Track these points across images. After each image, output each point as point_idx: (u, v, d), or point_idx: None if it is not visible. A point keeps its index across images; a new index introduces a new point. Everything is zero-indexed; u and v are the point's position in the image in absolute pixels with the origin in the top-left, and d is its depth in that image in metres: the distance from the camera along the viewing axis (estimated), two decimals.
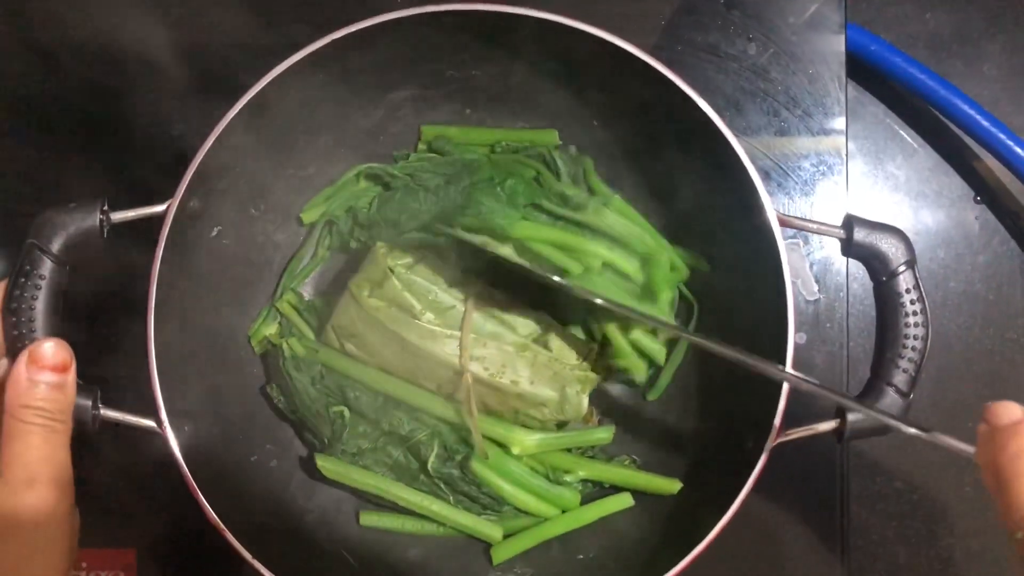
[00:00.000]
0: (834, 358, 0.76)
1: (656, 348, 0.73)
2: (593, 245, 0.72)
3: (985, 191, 0.84)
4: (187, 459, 0.61)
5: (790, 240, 0.76)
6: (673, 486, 0.72)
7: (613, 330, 0.72)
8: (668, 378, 0.75)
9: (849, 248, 0.64)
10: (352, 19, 0.63)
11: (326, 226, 0.76)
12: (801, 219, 0.65)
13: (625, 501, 0.73)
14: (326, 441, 0.71)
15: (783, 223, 0.63)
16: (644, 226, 0.73)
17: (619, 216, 0.72)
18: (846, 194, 0.78)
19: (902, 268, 0.63)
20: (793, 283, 0.64)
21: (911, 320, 0.62)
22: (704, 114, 0.64)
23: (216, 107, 0.62)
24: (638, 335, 0.72)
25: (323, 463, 0.69)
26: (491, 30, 0.66)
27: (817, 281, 0.76)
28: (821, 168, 0.78)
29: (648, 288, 0.72)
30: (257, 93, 0.62)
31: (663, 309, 0.72)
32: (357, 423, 0.71)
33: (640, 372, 0.73)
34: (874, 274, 0.64)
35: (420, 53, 0.69)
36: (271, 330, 0.74)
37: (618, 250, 0.72)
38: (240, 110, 0.62)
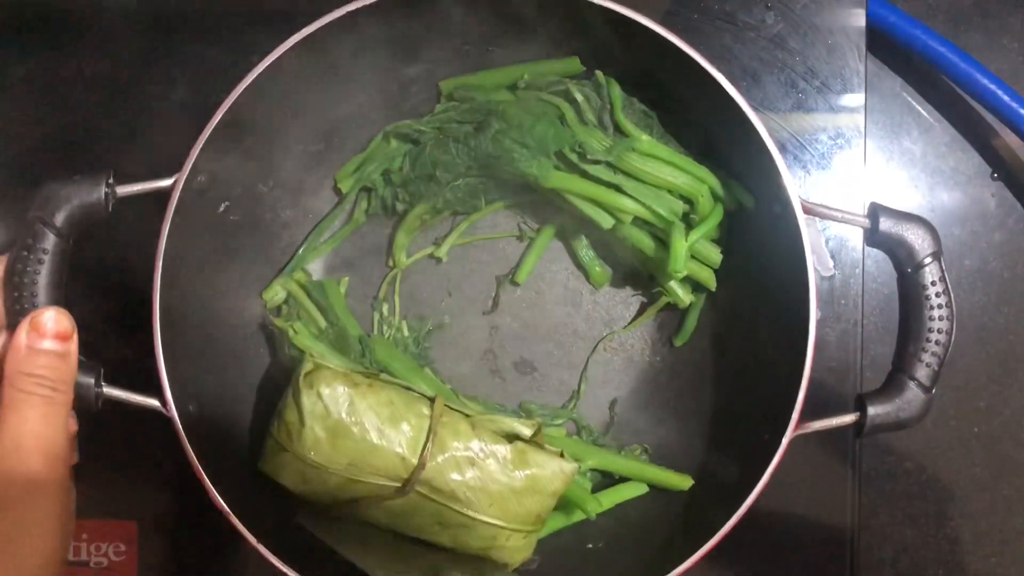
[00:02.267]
0: (848, 335, 0.75)
1: (715, 254, 0.70)
2: (621, 199, 0.69)
3: (1002, 168, 0.83)
4: (191, 439, 0.60)
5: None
6: (684, 482, 0.71)
7: (677, 233, 0.68)
8: (693, 322, 0.74)
9: (874, 238, 0.63)
10: None
11: (362, 192, 0.74)
12: (825, 207, 0.63)
13: (640, 489, 0.72)
14: None
15: (807, 211, 0.62)
16: (679, 161, 0.70)
17: (648, 158, 0.69)
18: (864, 168, 0.76)
19: (928, 260, 0.62)
20: (807, 237, 0.62)
21: (936, 314, 0.62)
22: (731, 98, 0.62)
23: (225, 80, 0.61)
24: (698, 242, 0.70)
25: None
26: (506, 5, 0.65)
27: (833, 257, 0.76)
28: (839, 142, 0.76)
29: (693, 221, 0.70)
30: (267, 67, 0.61)
31: (705, 241, 0.70)
32: None
33: (684, 297, 0.72)
34: (899, 265, 0.64)
35: (435, 28, 0.67)
36: (280, 297, 0.73)
37: (651, 196, 0.69)
38: (248, 85, 0.61)
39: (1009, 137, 0.81)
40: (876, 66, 0.82)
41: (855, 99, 0.76)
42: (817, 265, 0.74)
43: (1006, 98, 0.77)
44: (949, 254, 0.81)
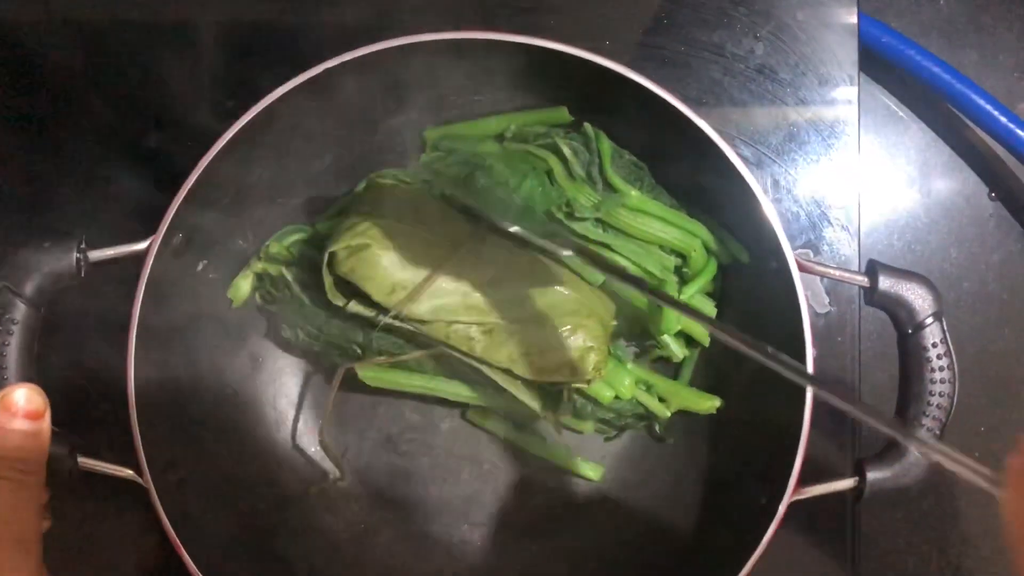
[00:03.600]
0: (845, 372, 0.74)
1: (709, 307, 0.70)
2: (611, 256, 0.68)
3: (1000, 187, 0.82)
4: (168, 510, 0.59)
5: (800, 249, 0.73)
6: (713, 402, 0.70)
7: (669, 291, 0.68)
8: (687, 376, 0.73)
9: (872, 297, 0.62)
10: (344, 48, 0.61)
11: None
12: (822, 265, 0.63)
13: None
14: (360, 351, 0.68)
15: (803, 269, 0.61)
16: (670, 216, 0.69)
17: (638, 213, 0.68)
18: (860, 196, 0.75)
19: (929, 320, 0.61)
20: (805, 301, 0.61)
21: (937, 376, 0.61)
22: (723, 154, 0.61)
23: (203, 138, 0.60)
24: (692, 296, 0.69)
25: (364, 373, 0.68)
26: (492, 57, 0.64)
27: (828, 294, 0.74)
28: (831, 169, 0.75)
29: (686, 275, 0.70)
30: (243, 126, 0.60)
31: (699, 296, 0.69)
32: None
33: (677, 351, 0.71)
34: (899, 325, 0.63)
35: (418, 79, 0.66)
36: (247, 286, 0.71)
37: (642, 253, 0.69)
38: (224, 143, 0.60)
39: (1006, 156, 0.80)
40: (869, 85, 0.81)
41: (849, 127, 0.75)
42: (812, 302, 0.73)
43: (1003, 119, 0.77)
44: (947, 277, 0.81)
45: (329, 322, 0.68)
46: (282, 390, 0.73)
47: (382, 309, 0.66)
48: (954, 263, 0.81)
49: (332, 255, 0.65)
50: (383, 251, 0.65)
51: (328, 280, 0.66)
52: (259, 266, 0.70)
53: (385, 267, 0.65)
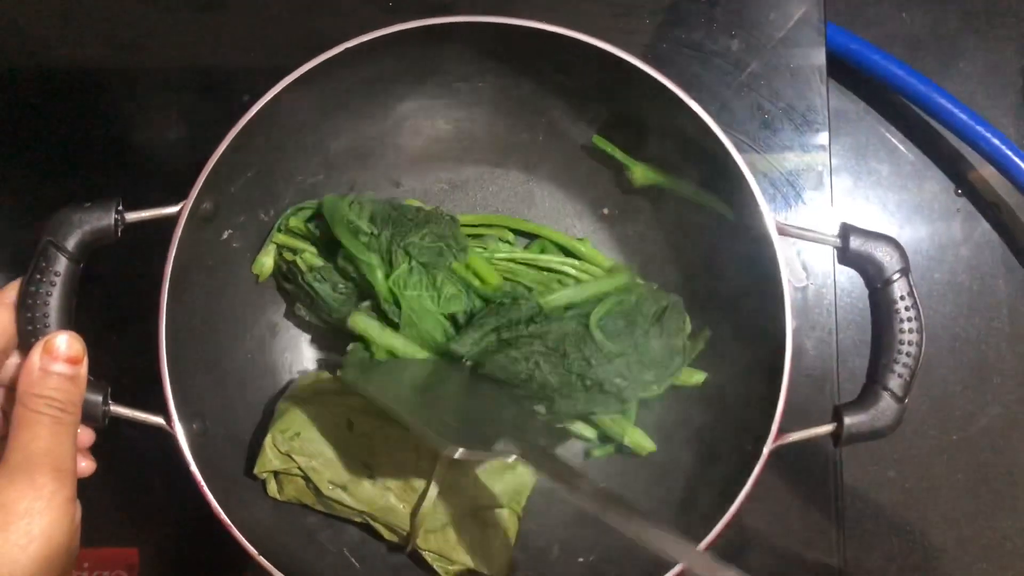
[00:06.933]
0: (824, 343, 0.77)
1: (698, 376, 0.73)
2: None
3: (966, 184, 0.85)
4: (195, 457, 0.61)
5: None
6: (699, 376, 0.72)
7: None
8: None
9: (844, 256, 0.66)
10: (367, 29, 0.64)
11: None
12: (798, 228, 0.66)
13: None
14: None
15: (781, 231, 0.64)
16: None
17: None
18: (833, 187, 0.79)
19: (896, 276, 0.65)
20: (783, 258, 0.65)
21: (906, 326, 0.64)
22: (703, 121, 0.65)
23: (229, 114, 0.63)
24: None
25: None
26: (493, 42, 0.67)
27: (805, 268, 0.78)
28: (806, 161, 0.79)
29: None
30: (268, 101, 0.63)
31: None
32: None
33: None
34: (869, 281, 0.66)
35: (425, 65, 0.70)
36: (270, 261, 0.73)
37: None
38: (252, 117, 0.63)
39: (971, 154, 0.84)
40: (840, 91, 0.85)
41: (820, 120, 0.79)
42: (790, 276, 0.76)
43: (964, 117, 0.80)
44: (919, 268, 0.84)
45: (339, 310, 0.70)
46: (298, 356, 0.76)
47: None
48: (925, 256, 0.84)
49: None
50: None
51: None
52: (279, 238, 0.72)
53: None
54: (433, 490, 0.69)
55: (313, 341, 0.76)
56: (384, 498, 0.69)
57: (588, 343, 0.66)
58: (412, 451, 0.69)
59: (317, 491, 0.69)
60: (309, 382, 0.72)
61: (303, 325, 0.76)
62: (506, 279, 0.70)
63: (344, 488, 0.69)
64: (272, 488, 0.70)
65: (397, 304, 0.67)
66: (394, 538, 0.70)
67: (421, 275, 0.68)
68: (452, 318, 0.68)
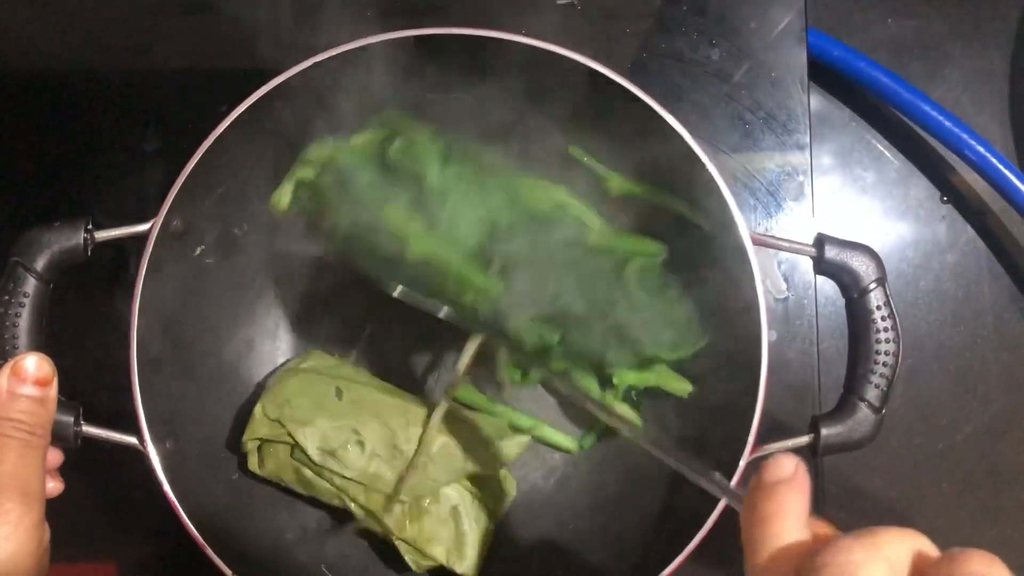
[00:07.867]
0: (805, 354, 0.77)
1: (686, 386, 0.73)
2: None
3: (951, 191, 0.85)
4: (168, 477, 0.61)
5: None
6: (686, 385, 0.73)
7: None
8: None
9: (820, 266, 0.66)
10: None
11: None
12: (773, 238, 0.66)
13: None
14: None
15: (756, 241, 0.64)
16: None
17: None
18: (814, 196, 0.79)
19: (872, 286, 0.64)
20: (762, 282, 0.64)
21: (882, 336, 0.64)
22: (677, 132, 0.64)
23: (200, 129, 0.63)
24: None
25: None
26: (466, 54, 0.67)
27: (785, 279, 0.77)
28: (786, 169, 0.79)
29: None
30: (236, 117, 0.63)
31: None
32: None
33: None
34: (845, 291, 0.66)
35: (401, 76, 0.69)
36: (288, 195, 0.70)
37: None
38: (222, 132, 0.63)
39: (956, 161, 0.83)
40: (824, 98, 0.84)
41: (801, 129, 0.78)
42: (771, 288, 0.76)
43: (949, 124, 0.79)
44: (904, 276, 0.83)
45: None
46: (274, 372, 0.75)
47: None
48: (911, 263, 0.84)
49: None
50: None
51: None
52: (301, 170, 0.69)
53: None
54: (422, 453, 0.69)
55: (289, 355, 0.76)
56: (373, 465, 0.69)
57: (620, 287, 0.67)
58: (401, 416, 0.70)
59: (300, 463, 0.69)
60: (299, 362, 0.73)
61: (277, 337, 0.76)
62: None
63: (333, 454, 0.69)
64: (253, 462, 0.70)
65: (442, 202, 0.65)
66: (371, 522, 0.70)
67: (474, 178, 0.67)
68: (492, 228, 0.67)
